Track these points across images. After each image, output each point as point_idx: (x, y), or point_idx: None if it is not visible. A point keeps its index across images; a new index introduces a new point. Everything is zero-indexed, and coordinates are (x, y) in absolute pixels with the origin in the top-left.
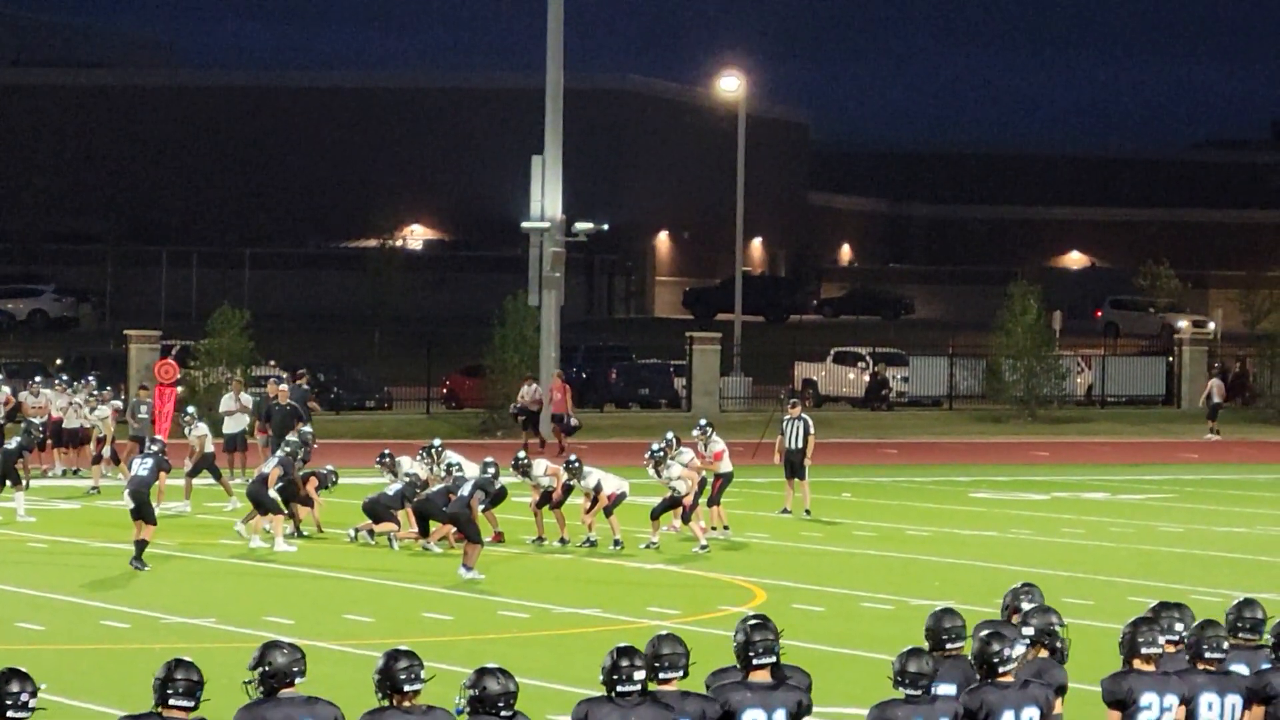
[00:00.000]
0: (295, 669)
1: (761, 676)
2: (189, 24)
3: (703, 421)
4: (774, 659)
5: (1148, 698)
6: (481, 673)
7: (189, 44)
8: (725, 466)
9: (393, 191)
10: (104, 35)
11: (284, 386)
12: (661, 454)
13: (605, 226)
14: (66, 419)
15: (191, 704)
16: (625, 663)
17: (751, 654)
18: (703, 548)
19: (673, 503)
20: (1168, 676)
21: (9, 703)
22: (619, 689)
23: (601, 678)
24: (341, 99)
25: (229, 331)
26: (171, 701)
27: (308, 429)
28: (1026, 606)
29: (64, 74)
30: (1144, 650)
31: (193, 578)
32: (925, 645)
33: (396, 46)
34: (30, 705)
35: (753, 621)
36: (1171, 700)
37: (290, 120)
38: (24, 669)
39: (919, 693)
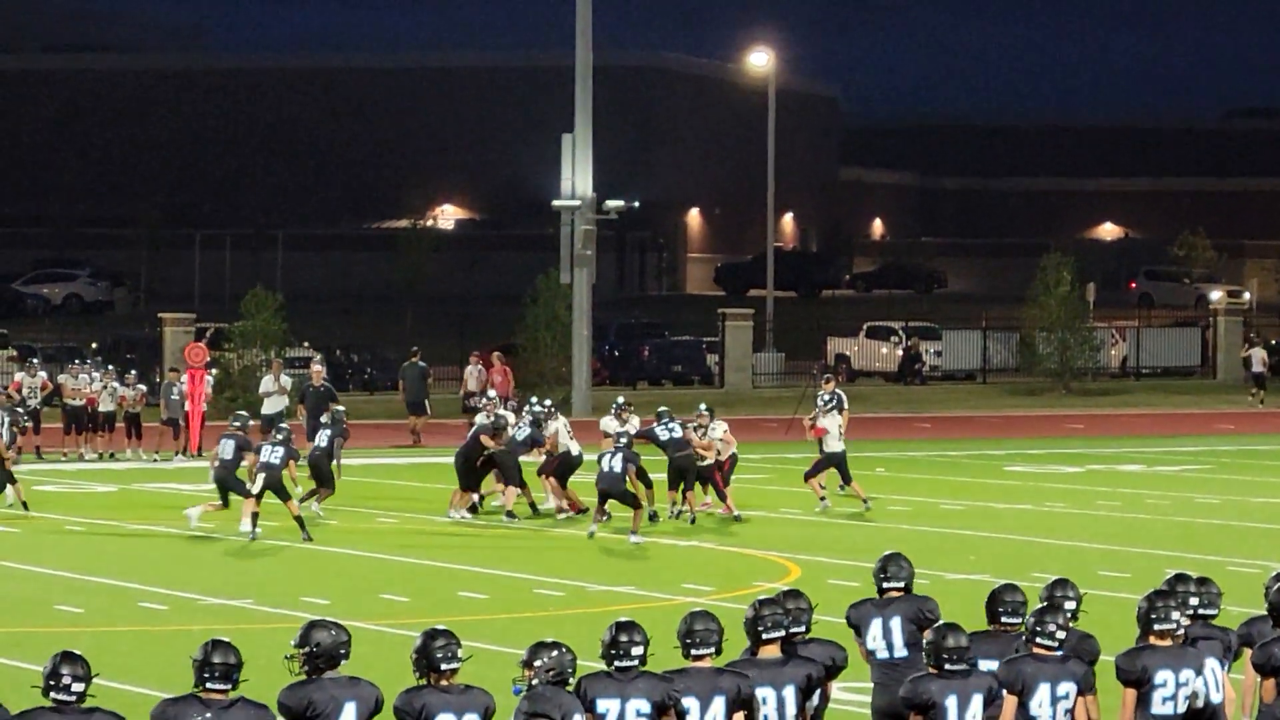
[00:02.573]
0: (341, 651)
1: (771, 652)
2: (220, 7)
3: (703, 406)
4: (783, 634)
5: (1163, 675)
6: (539, 647)
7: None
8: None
9: (424, 172)
10: (136, 19)
11: (319, 368)
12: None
13: (636, 204)
14: (101, 402)
15: (229, 686)
16: (624, 638)
17: (760, 629)
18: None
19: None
20: (1183, 651)
21: (53, 683)
22: (617, 664)
23: (600, 652)
24: (372, 80)
25: (262, 314)
26: (209, 685)
27: (340, 408)
28: (1069, 606)
29: (96, 59)
30: (1157, 626)
31: (230, 559)
32: (970, 620)
33: (426, 26)
34: (74, 689)
35: (762, 597)
36: (1187, 675)
37: (321, 102)
38: (80, 654)
39: (956, 668)
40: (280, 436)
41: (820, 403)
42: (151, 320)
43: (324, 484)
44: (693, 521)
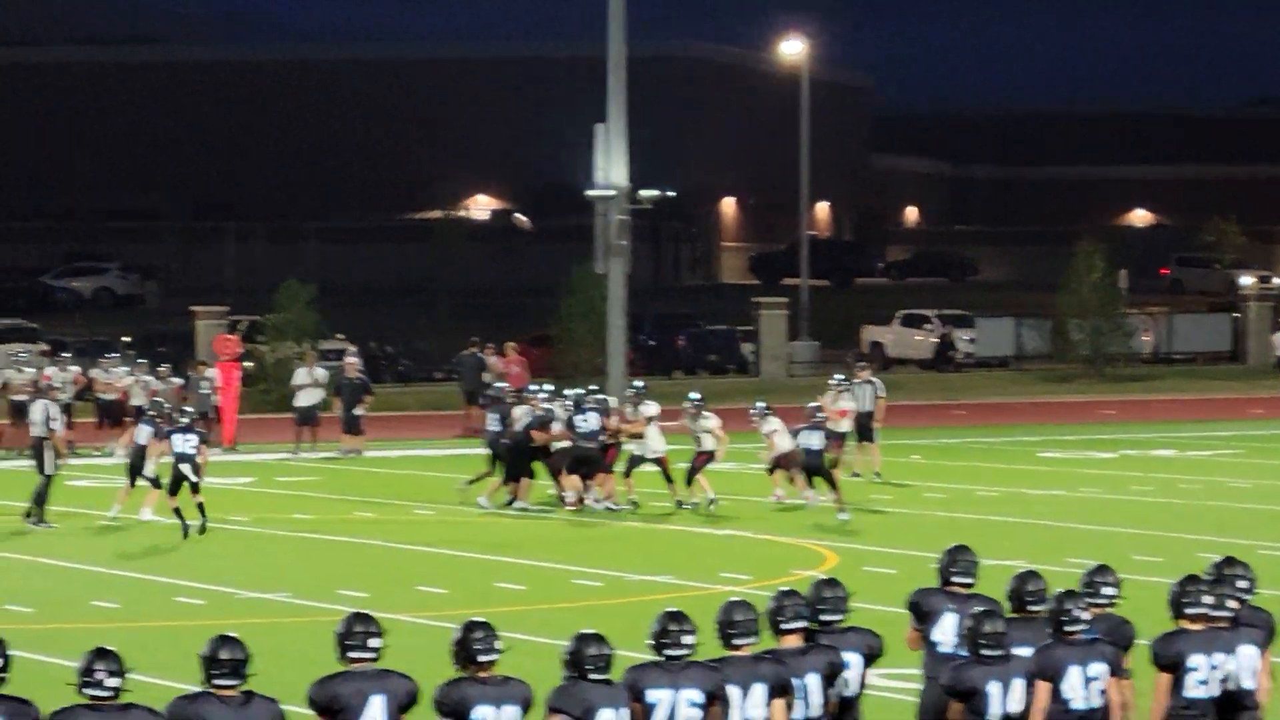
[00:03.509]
0: (357, 641)
1: (793, 642)
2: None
3: (694, 395)
4: (804, 624)
5: (1195, 659)
6: (581, 639)
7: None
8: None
9: (456, 162)
10: (166, 11)
11: (353, 360)
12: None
13: (670, 193)
14: (133, 396)
15: (238, 681)
16: (674, 627)
17: (780, 620)
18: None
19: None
20: (1216, 634)
21: (87, 679)
22: (668, 653)
23: (650, 642)
24: (405, 70)
25: (296, 306)
26: (216, 681)
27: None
28: (1108, 592)
29: (127, 51)
30: (1188, 610)
31: (264, 552)
32: (1006, 607)
33: (458, 16)
34: (108, 685)
35: (782, 588)
36: (1220, 659)
37: (353, 93)
38: (114, 649)
39: (995, 654)
40: (185, 421)
41: (833, 385)
42: (183, 313)
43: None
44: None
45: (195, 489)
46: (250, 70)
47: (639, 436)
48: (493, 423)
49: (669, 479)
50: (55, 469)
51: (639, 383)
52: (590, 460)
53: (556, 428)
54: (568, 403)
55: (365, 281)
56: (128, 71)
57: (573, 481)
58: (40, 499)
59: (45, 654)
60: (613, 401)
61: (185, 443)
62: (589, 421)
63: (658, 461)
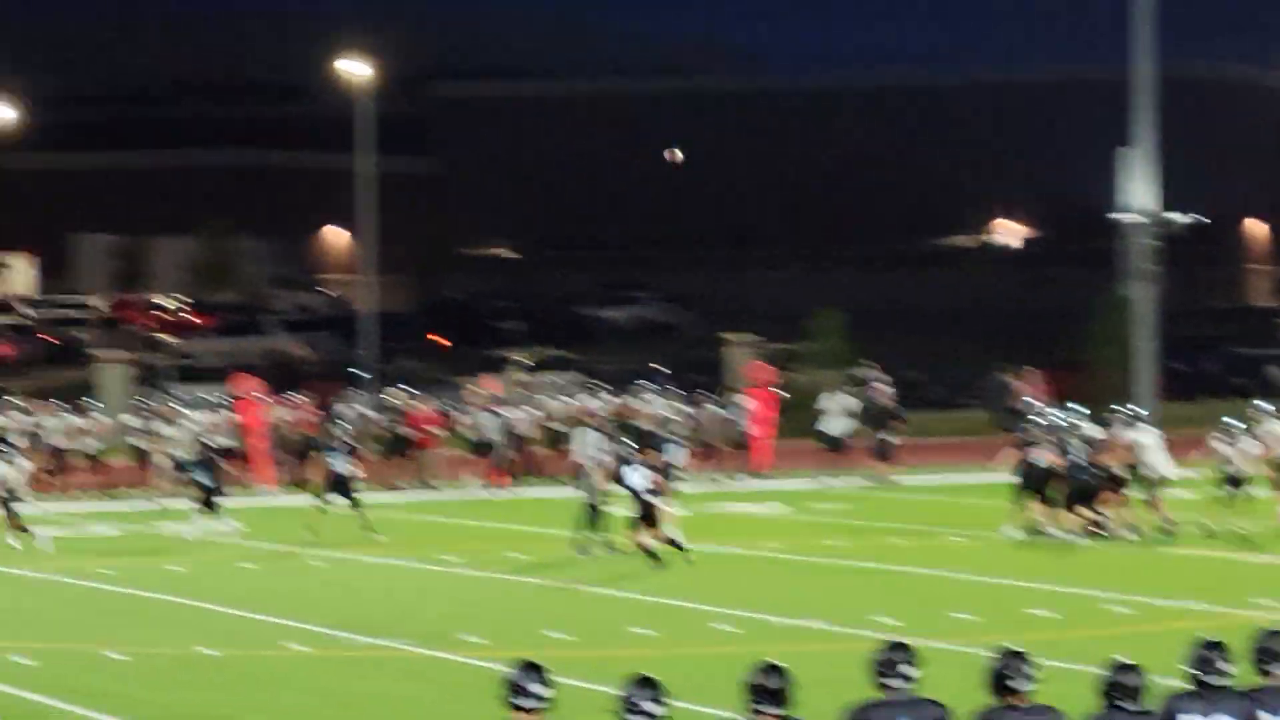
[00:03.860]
0: (893, 668)
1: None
2: (781, 29)
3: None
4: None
5: None
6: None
7: (781, 48)
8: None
9: (982, 188)
10: (697, 43)
11: (883, 386)
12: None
13: (1199, 218)
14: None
15: (781, 709)
16: (1213, 655)
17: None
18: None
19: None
20: None
21: (631, 706)
22: (1205, 681)
23: (1186, 669)
24: (927, 97)
25: (827, 333)
26: (759, 709)
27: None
28: None
29: (656, 82)
30: None
31: (798, 578)
32: None
33: (977, 41)
34: (649, 711)
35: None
36: None
37: (879, 120)
38: (654, 677)
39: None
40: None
41: None
42: (716, 341)
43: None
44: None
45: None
46: (779, 100)
47: (1129, 463)
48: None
49: (1150, 503)
50: (599, 497)
51: (1136, 407)
52: (1085, 491)
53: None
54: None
55: (894, 307)
56: (654, 103)
57: (1081, 513)
58: (587, 526)
59: (587, 681)
60: (1097, 430)
61: (637, 475)
62: (1078, 451)
63: (1153, 484)
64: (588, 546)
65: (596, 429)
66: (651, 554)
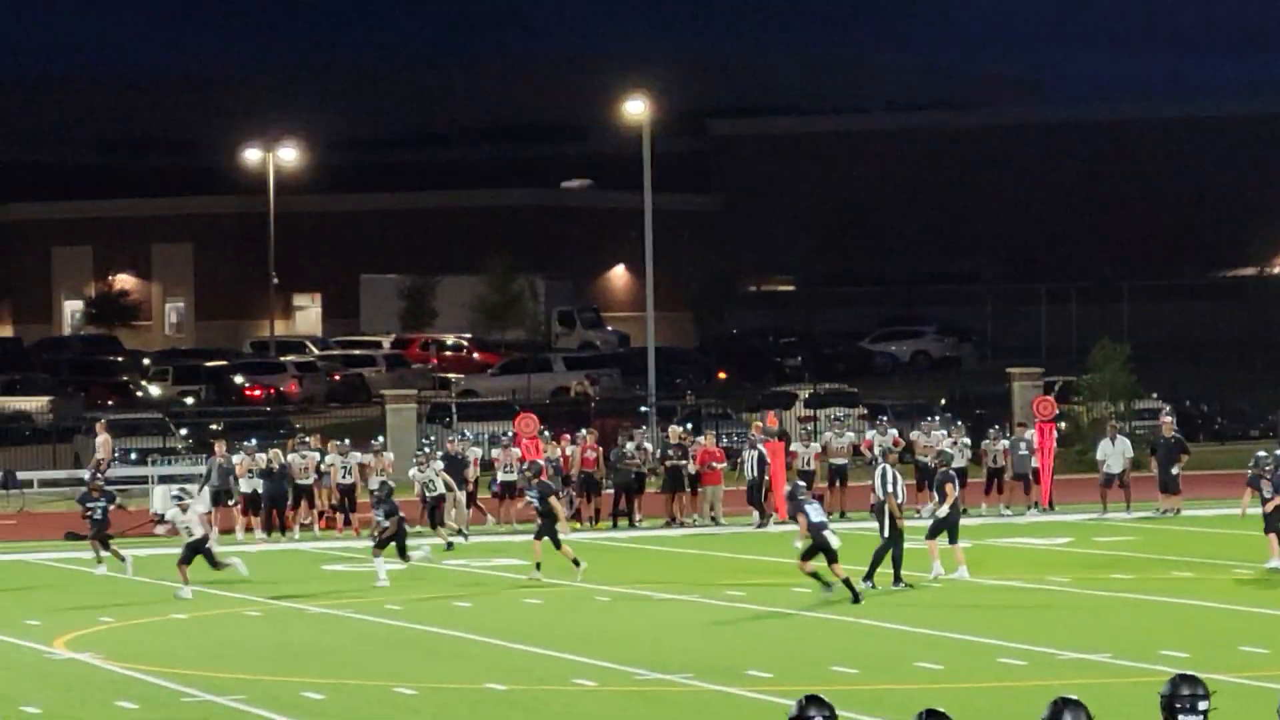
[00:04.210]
0: (1186, 703)
1: None
2: (1058, 59)
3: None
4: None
5: None
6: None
7: (1058, 79)
8: None
9: (1268, 218)
10: (973, 76)
11: (1168, 419)
12: None
13: None
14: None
15: None
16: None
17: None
18: None
19: None
20: None
21: None
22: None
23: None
24: (1213, 127)
25: (1110, 366)
26: None
27: None
28: None
29: (937, 116)
30: None
31: (1085, 611)
32: None
33: (1261, 72)
34: None
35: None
36: None
37: (1160, 151)
38: (942, 710)
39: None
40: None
41: None
42: (999, 375)
43: None
44: None
45: (833, 558)
46: (1056, 132)
47: None
48: None
49: None
50: (893, 532)
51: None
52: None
53: None
54: None
55: (1177, 339)
56: (940, 136)
57: None
58: (877, 561)
59: (870, 715)
60: None
61: (816, 512)
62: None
63: None
64: (870, 579)
65: (891, 464)
66: (847, 583)
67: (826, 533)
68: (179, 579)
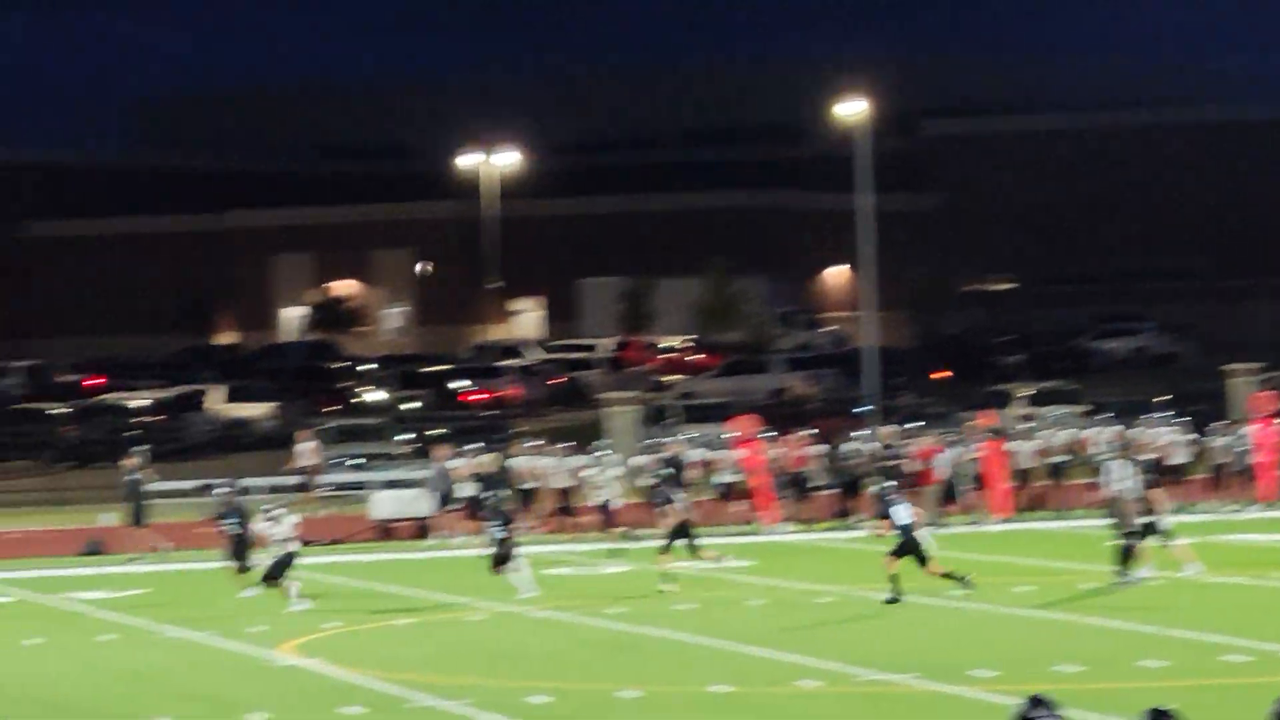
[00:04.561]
0: None
1: None
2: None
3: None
4: None
5: None
6: None
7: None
8: None
9: None
10: (1196, 71)
11: None
12: None
13: None
14: (1174, 455)
15: None
16: None
17: None
18: None
19: None
20: None
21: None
22: None
23: None
24: None
25: None
26: None
27: None
28: None
29: (1173, 111)
30: None
31: None
32: None
33: None
34: None
35: None
36: None
37: None
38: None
39: None
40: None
41: None
42: (1217, 372)
43: None
44: None
45: (923, 560)
46: (1269, 127)
47: None
48: None
49: None
50: (1130, 528)
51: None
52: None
53: None
54: None
55: None
56: (1160, 133)
57: None
58: (1121, 558)
59: (1096, 713)
60: None
61: (902, 510)
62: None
63: None
64: (1126, 575)
65: (1124, 460)
66: (954, 576)
67: (917, 534)
68: (288, 594)
